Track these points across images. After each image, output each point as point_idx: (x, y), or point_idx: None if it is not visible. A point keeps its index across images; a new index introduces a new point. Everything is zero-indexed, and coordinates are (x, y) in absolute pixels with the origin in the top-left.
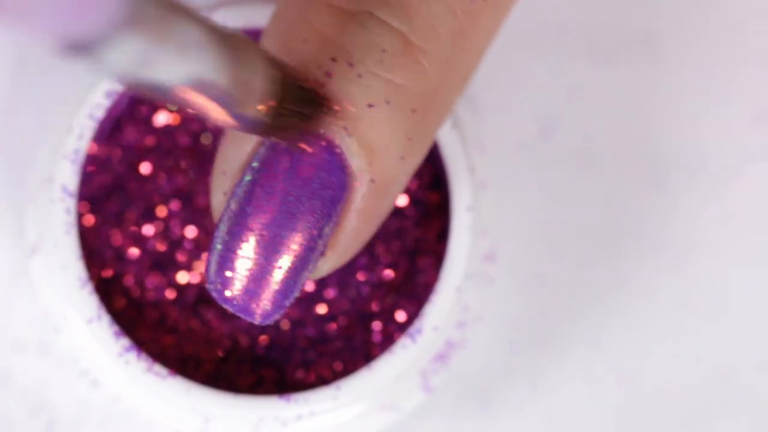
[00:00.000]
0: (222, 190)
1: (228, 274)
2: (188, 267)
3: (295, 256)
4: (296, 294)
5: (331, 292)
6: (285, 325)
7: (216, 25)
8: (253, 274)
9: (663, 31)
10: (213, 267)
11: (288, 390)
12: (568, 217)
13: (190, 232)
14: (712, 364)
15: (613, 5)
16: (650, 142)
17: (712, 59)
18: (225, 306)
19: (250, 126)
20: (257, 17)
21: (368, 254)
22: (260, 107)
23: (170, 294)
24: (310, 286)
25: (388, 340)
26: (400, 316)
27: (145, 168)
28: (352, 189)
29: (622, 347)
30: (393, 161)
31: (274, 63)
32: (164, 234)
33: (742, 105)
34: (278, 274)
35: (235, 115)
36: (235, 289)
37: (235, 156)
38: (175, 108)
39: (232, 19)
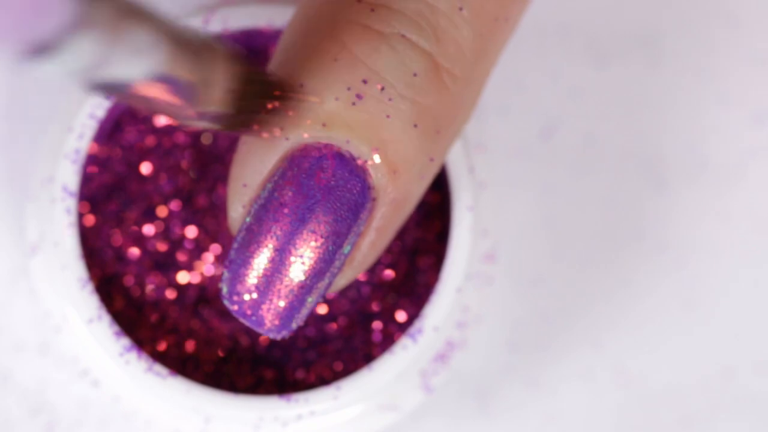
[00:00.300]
0: (241, 202)
1: (242, 287)
2: (188, 267)
3: (309, 272)
4: (311, 309)
5: (331, 293)
6: None
7: (173, 24)
8: (267, 287)
9: (663, 31)
10: (228, 279)
11: (288, 390)
12: (569, 218)
13: (191, 232)
14: (712, 364)
15: (614, 6)
16: (650, 142)
17: (712, 59)
18: (241, 319)
19: (210, 120)
20: (257, 17)
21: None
22: (219, 102)
23: (170, 294)
24: None
25: (388, 340)
26: (401, 316)
27: (145, 168)
28: (374, 208)
29: (622, 347)
30: (414, 181)
31: (235, 58)
32: (164, 234)
33: (742, 105)
34: (290, 290)
35: (196, 112)
36: (248, 302)
37: (258, 169)
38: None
39: (232, 19)
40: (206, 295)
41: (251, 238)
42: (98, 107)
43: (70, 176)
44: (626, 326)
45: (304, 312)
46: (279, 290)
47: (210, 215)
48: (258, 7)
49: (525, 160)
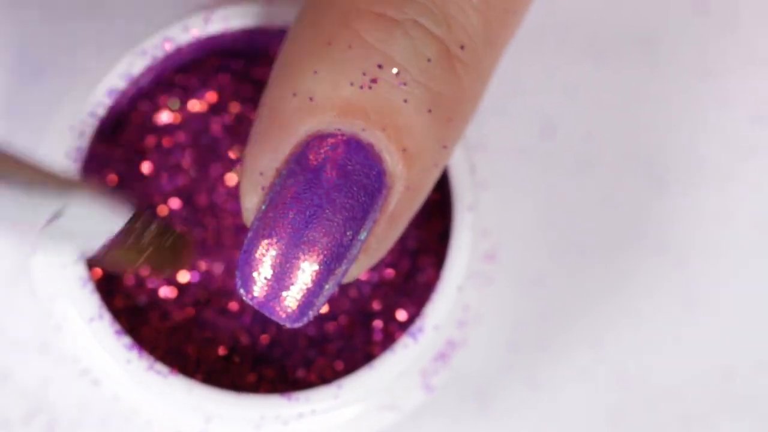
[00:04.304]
0: (256, 191)
1: (257, 275)
2: (189, 266)
3: (325, 259)
4: (326, 298)
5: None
6: None
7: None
8: (283, 275)
9: (662, 31)
10: (243, 268)
11: (289, 389)
12: (568, 217)
13: (191, 231)
14: (712, 364)
15: (613, 6)
16: (650, 142)
17: (712, 59)
18: (257, 308)
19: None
20: (258, 16)
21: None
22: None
23: (171, 293)
24: None
25: (389, 339)
26: (401, 315)
27: (146, 167)
28: (389, 195)
29: (622, 347)
30: (428, 168)
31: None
32: None
33: (742, 105)
34: (308, 277)
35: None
36: (262, 291)
37: (273, 157)
38: None
39: (233, 18)
40: (207, 293)
41: (266, 226)
42: (99, 106)
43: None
44: (626, 326)
45: (321, 300)
46: (295, 278)
47: (210, 214)
48: (259, 6)
49: (525, 159)
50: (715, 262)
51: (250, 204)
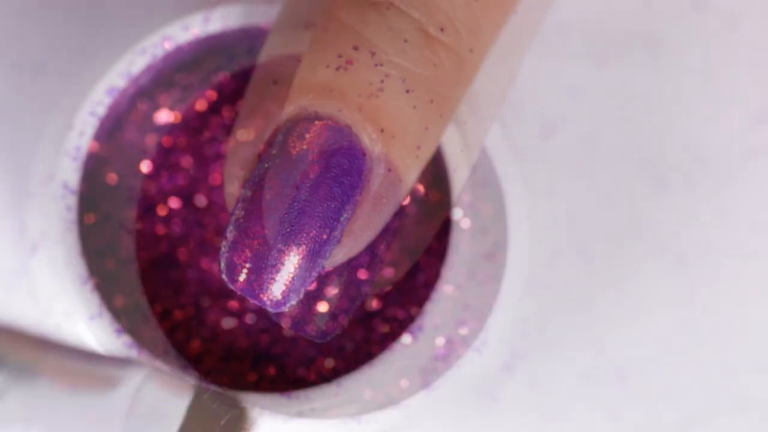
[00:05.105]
0: (237, 177)
1: (239, 259)
2: (189, 265)
3: (309, 243)
4: (310, 281)
5: (331, 290)
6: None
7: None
8: (265, 259)
9: (663, 31)
10: (226, 254)
11: (289, 387)
12: (568, 217)
13: (191, 230)
14: (712, 364)
15: (614, 6)
16: (650, 142)
17: (712, 59)
18: (239, 292)
19: None
20: (258, 15)
21: (369, 252)
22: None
23: (171, 292)
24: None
25: (388, 338)
26: (401, 314)
27: (146, 166)
28: (370, 177)
29: (622, 347)
30: (410, 150)
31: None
32: (165, 232)
33: (742, 105)
34: (290, 261)
35: None
36: (245, 275)
37: (254, 142)
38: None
39: (232, 17)
40: (207, 292)
41: (247, 211)
42: (99, 105)
43: (70, 174)
44: (626, 326)
45: (306, 283)
46: (278, 261)
47: (210, 214)
48: (258, 5)
49: (525, 160)
50: (715, 261)
51: (232, 189)
